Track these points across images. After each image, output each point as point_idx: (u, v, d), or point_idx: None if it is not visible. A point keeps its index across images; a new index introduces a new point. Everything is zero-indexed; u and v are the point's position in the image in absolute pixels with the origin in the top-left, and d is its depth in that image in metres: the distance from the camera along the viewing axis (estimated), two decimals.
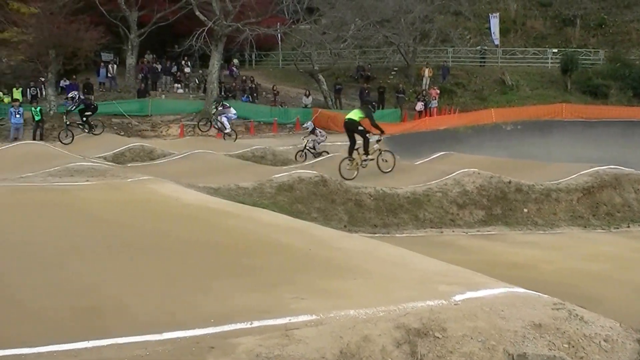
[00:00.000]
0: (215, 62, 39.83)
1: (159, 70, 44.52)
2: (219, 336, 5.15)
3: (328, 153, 26.83)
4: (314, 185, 15.83)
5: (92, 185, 13.22)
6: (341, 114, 39.98)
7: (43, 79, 40.85)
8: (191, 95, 43.02)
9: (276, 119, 40.13)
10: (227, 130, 29.28)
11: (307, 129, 28.58)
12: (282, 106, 42.32)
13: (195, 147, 23.59)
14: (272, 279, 6.99)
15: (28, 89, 40.01)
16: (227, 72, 45.75)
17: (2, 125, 35.01)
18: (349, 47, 47.28)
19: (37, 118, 32.67)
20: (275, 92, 43.42)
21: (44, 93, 40.50)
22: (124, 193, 12.50)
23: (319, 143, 27.79)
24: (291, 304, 5.88)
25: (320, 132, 28.35)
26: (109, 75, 43.24)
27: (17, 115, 30.98)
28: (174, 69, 45.14)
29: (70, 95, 28.05)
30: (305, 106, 42.08)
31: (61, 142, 25.47)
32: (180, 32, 42.08)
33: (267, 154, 25.56)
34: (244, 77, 45.34)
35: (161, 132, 38.26)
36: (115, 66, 43.59)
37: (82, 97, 28.48)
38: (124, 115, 38.90)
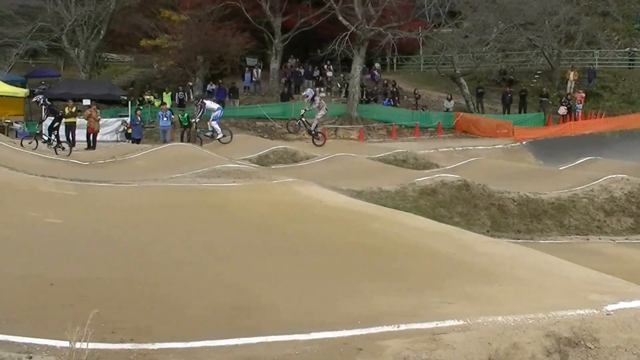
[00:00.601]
0: (357, 66, 40.00)
1: (302, 74, 45.14)
2: (366, 338, 5.17)
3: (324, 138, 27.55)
4: (456, 189, 15.66)
5: (239, 187, 13.53)
6: (483, 118, 39.43)
7: (191, 84, 42.26)
8: (333, 99, 43.28)
9: (417, 122, 39.84)
10: (219, 136, 26.96)
11: (307, 97, 28.02)
12: (423, 110, 42.01)
13: (337, 150, 23.79)
14: (417, 282, 6.96)
15: (176, 93, 41.47)
16: (368, 76, 45.82)
17: (152, 127, 36.40)
18: (491, 50, 46.41)
19: (184, 124, 33.82)
20: (416, 95, 43.13)
21: (191, 97, 41.86)
22: (269, 194, 12.72)
23: (318, 118, 27.35)
24: (438, 308, 5.83)
25: (320, 100, 27.87)
26: (254, 79, 44.20)
27: (165, 119, 32.06)
28: (317, 73, 45.66)
29: (35, 99, 26.47)
30: (447, 110, 41.59)
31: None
32: (323, 36, 42.44)
33: (408, 157, 25.41)
34: (385, 81, 45.32)
35: (303, 135, 38.79)
36: (259, 70, 44.52)
37: (48, 102, 25.97)
38: (268, 118, 39.68)
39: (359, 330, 5.34)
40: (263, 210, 11.38)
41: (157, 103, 39.03)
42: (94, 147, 27.88)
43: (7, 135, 30.04)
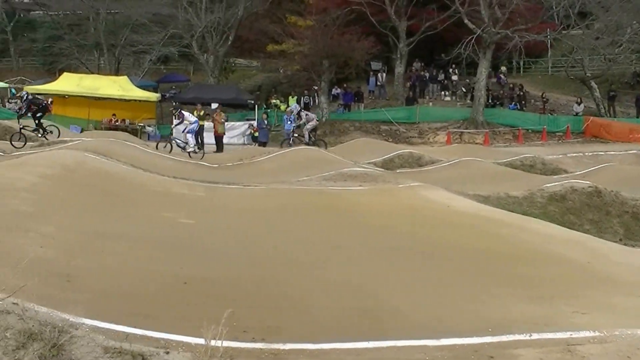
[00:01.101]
0: (483, 69, 39.40)
1: (427, 78, 44.77)
2: (497, 346, 5.08)
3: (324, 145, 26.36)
4: (587, 196, 15.15)
5: (365, 190, 13.52)
6: (615, 122, 37.98)
7: (316, 88, 42.60)
8: (458, 103, 42.80)
9: (545, 127, 38.82)
10: (191, 149, 24.03)
11: (292, 112, 27.84)
12: (551, 114, 40.89)
13: (462, 155, 23.47)
14: (549, 290, 6.79)
15: (302, 97, 41.87)
16: (494, 80, 45.00)
17: (277, 130, 36.93)
18: (624, 51, 44.50)
19: None
20: (544, 99, 41.99)
21: (316, 101, 42.21)
22: (396, 198, 12.66)
23: (308, 129, 26.66)
24: (571, 318, 5.67)
25: (306, 114, 27.22)
26: (378, 83, 44.14)
27: (289, 122, 32.36)
28: (441, 76, 45.20)
29: (19, 94, 27.01)
30: (577, 114, 40.31)
31: (13, 145, 23.00)
32: (449, 40, 42.01)
33: (536, 162, 24.75)
34: (511, 85, 44.36)
35: (428, 139, 38.46)
36: (384, 75, 44.42)
37: (29, 97, 25.73)
38: (392, 123, 39.60)
39: (490, 338, 5.27)
40: (389, 214, 11.34)
41: (283, 107, 39.57)
42: (220, 150, 28.45)
43: (140, 138, 31.11)
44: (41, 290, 5.54)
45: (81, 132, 34.42)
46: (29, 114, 24.48)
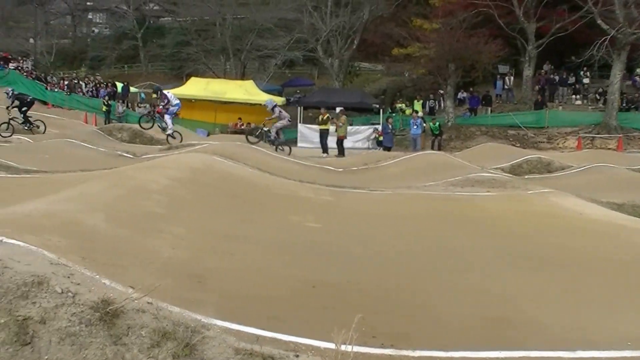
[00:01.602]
0: (617, 71, 37.94)
1: (556, 81, 43.58)
2: None
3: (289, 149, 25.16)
4: None
5: (493, 197, 13.18)
6: None
7: (442, 92, 42.21)
8: (590, 107, 41.50)
9: None
10: (169, 132, 25.17)
11: (267, 107, 26.66)
12: None
13: (594, 161, 22.67)
14: None
15: (427, 102, 41.59)
16: (629, 82, 43.31)
17: (402, 135, 36.79)
18: None
19: (435, 132, 33.95)
20: None
21: (442, 105, 41.83)
22: (526, 205, 12.28)
23: (277, 127, 25.63)
24: None
25: (280, 111, 26.05)
26: (506, 87, 43.42)
27: (415, 127, 32.13)
28: (572, 79, 43.88)
29: (5, 91, 28.15)
30: None
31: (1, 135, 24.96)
32: (580, 41, 40.63)
33: None
34: None
35: (557, 144, 37.50)
36: (511, 78, 43.65)
37: (15, 92, 27.48)
38: (520, 127, 38.78)
39: (630, 352, 5.01)
40: (520, 221, 11.01)
41: (408, 111, 39.42)
42: (342, 154, 28.52)
43: (265, 141, 31.61)
44: (174, 291, 5.65)
45: (207, 135, 35.31)
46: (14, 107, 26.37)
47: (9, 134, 24.90)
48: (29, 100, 27.54)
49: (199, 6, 57.72)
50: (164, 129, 24.99)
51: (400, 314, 6.15)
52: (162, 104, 24.99)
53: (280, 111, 25.99)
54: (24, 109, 26.94)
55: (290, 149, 25.68)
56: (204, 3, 56.85)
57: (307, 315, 5.89)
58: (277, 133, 25.92)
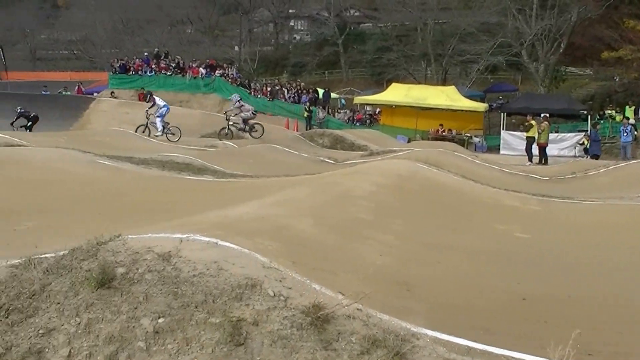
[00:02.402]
0: None
1: None
2: None
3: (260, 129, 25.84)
4: None
5: None
6: None
7: None
8: None
9: None
10: (158, 133, 26.22)
11: (232, 100, 28.19)
12: None
13: None
14: None
15: (639, 108, 39.45)
16: None
17: (612, 143, 35.05)
18: None
19: None
20: None
21: None
22: None
23: (246, 119, 26.61)
24: None
25: (245, 106, 27.53)
26: None
27: (625, 134, 30.51)
28: None
29: (15, 109, 29.47)
30: None
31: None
32: None
33: None
34: None
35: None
36: None
37: (21, 110, 29.35)
38: None
39: None
40: None
41: (618, 118, 37.54)
42: (544, 161, 27.64)
43: (467, 149, 31.23)
44: (382, 298, 5.59)
45: (408, 142, 35.32)
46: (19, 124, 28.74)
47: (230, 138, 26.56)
48: (32, 116, 29.83)
49: (400, 11, 58.05)
50: (163, 129, 26.61)
51: (618, 331, 5.78)
52: (149, 105, 27.37)
53: (242, 105, 27.55)
54: (29, 124, 29.25)
55: (262, 128, 27.33)
56: (406, 8, 57.11)
57: (519, 329, 5.67)
58: (244, 122, 27.34)
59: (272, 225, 7.23)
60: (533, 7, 46.44)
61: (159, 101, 27.03)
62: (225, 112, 28.01)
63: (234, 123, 27.23)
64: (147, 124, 26.95)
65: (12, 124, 28.55)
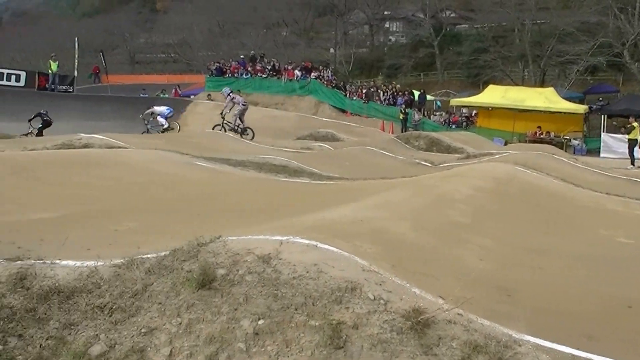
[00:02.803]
0: None
1: None
2: None
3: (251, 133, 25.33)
4: None
5: None
6: None
7: None
8: None
9: None
10: (164, 127, 28.34)
11: (223, 94, 28.63)
12: None
13: None
14: None
15: None
16: None
17: None
18: None
19: None
20: None
21: None
22: None
23: (238, 114, 26.84)
24: None
25: (236, 98, 27.83)
26: None
27: None
28: None
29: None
30: None
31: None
32: None
33: None
34: None
35: None
36: None
37: (42, 112, 29.32)
38: None
39: None
40: None
41: None
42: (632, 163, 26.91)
43: (566, 151, 30.55)
44: (483, 303, 5.53)
45: (504, 144, 34.76)
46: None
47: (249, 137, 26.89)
48: (47, 120, 29.85)
49: (497, 12, 57.28)
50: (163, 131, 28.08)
51: None
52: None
53: (232, 97, 27.65)
54: (39, 126, 29.29)
55: (253, 133, 27.07)
56: (503, 9, 56.29)
57: (625, 337, 5.52)
58: (240, 119, 27.52)
59: (370, 228, 7.23)
60: (636, 6, 45.07)
61: (157, 109, 29.19)
62: (221, 112, 28.25)
63: (227, 122, 27.72)
64: (222, 123, 27.66)
65: (29, 120, 29.36)
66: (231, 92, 28.72)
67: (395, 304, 5.14)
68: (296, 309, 5.12)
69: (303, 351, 4.79)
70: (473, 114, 42.52)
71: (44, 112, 29.59)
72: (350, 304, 5.13)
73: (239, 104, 27.71)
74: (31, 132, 28.53)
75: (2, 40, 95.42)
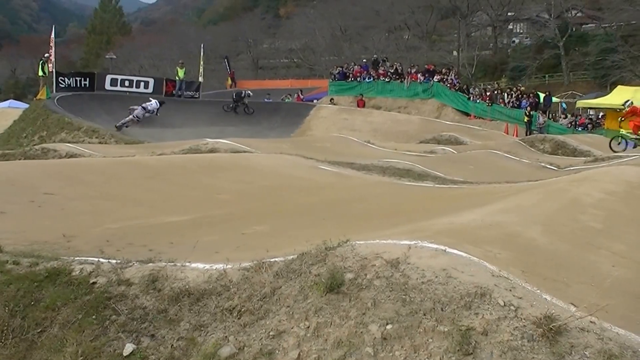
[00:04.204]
0: None
1: None
2: None
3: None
4: None
5: None
6: None
7: None
8: None
9: None
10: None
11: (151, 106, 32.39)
12: None
13: None
14: None
15: None
16: None
17: None
18: None
19: None
20: None
21: None
22: None
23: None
24: None
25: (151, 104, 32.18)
26: None
27: None
28: None
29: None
30: None
31: None
32: None
33: None
34: None
35: None
36: None
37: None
38: None
39: None
40: None
41: None
42: None
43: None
44: (617, 311, 5.37)
45: (634, 147, 33.61)
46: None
47: None
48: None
49: (627, 10, 55.41)
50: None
51: None
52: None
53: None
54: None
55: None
56: (633, 7, 54.44)
57: None
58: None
59: (500, 232, 7.17)
60: None
61: (149, 105, 32.42)
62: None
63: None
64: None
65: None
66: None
67: (526, 311, 5.02)
68: (425, 314, 5.09)
69: (431, 357, 4.77)
70: (600, 116, 41.35)
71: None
72: (479, 309, 5.05)
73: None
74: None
75: (131, 49, 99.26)
